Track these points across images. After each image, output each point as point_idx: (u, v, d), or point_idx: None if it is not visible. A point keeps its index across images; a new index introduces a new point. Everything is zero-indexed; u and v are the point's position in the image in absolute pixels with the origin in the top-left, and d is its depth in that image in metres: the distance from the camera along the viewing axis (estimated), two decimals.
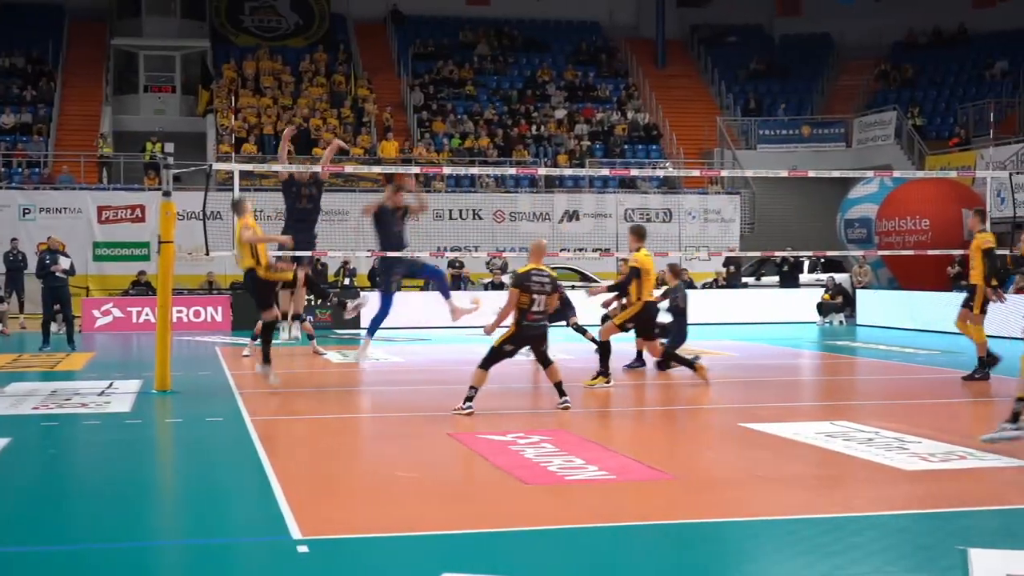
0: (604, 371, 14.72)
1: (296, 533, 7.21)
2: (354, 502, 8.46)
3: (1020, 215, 20.77)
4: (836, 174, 26.49)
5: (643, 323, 14.94)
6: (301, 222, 16.16)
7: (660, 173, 35.08)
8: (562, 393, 12.54)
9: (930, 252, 25.31)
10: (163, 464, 10.75)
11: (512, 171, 31.72)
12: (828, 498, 8.57)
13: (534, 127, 38.49)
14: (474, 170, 31.64)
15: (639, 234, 15.06)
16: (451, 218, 33.63)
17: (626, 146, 38.33)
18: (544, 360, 12.62)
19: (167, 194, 14.54)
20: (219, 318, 27.21)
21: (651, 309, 14.88)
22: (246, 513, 8.25)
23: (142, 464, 10.46)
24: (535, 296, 12.17)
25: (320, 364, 18.85)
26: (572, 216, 34.49)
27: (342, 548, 7.03)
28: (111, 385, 15.22)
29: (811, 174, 24.46)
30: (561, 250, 30.91)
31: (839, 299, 29.21)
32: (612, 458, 9.86)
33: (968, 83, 40.21)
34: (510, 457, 9.86)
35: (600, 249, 33.35)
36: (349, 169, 27.68)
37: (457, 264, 30.22)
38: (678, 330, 16.36)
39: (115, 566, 6.81)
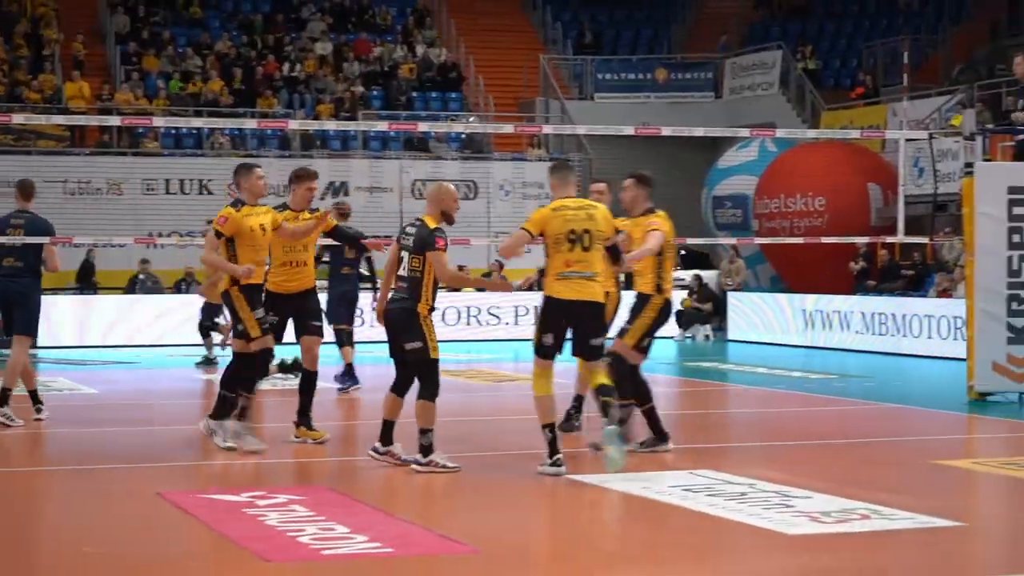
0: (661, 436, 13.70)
1: None
2: None
3: (942, 192, 21.66)
4: (700, 132, 27.09)
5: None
6: None
7: (462, 130, 35.43)
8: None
9: (825, 240, 25.92)
10: None
11: (254, 124, 31.65)
12: (698, 571, 8.93)
13: (287, 66, 38.60)
14: (199, 122, 31.18)
15: (647, 183, 13.73)
16: (169, 192, 33.46)
17: (415, 93, 38.80)
18: None
19: None
20: None
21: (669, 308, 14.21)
22: None
23: None
24: None
25: None
26: (339, 190, 34.55)
27: None
28: None
29: (666, 132, 24.82)
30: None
31: (707, 306, 29.86)
32: (391, 525, 10.00)
33: (877, 14, 41.71)
34: (244, 524, 9.93)
35: (378, 236, 33.42)
36: (19, 120, 27.16)
37: None
38: None
39: None
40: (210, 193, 33.42)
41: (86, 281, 30.13)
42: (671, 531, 10.13)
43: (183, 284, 30.08)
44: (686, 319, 29.29)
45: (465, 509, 11.35)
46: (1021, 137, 19.10)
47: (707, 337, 29.14)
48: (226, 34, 39.22)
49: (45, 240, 15.72)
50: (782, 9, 42.68)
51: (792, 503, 10.54)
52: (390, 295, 12.71)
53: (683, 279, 31.20)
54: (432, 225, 12.35)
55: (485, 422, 17.07)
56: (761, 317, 28.32)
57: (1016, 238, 17.82)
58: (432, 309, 12.53)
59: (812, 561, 9.02)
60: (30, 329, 16.28)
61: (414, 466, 12.14)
